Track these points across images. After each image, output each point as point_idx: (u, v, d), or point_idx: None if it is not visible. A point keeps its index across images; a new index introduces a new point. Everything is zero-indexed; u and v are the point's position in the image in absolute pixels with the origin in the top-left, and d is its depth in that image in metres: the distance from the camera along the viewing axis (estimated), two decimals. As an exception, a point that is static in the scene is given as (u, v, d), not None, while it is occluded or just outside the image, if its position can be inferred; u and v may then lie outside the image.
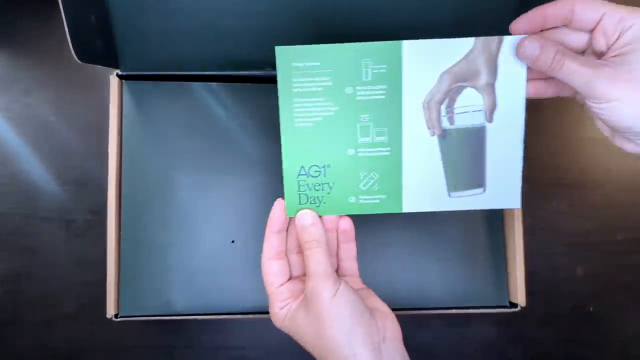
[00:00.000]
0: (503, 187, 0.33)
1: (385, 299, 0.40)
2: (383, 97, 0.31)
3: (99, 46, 0.36)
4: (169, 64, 0.39)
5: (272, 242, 0.32)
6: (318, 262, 0.30)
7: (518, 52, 0.31)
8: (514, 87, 0.32)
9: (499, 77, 0.31)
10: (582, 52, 0.31)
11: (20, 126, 0.47)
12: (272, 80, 0.40)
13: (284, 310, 0.31)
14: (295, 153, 0.32)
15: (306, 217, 0.32)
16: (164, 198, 0.39)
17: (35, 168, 0.47)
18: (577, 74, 0.27)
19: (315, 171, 0.32)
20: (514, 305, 0.41)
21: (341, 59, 0.30)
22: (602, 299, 0.49)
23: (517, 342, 0.49)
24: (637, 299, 0.50)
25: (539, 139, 0.49)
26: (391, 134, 0.32)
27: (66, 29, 0.31)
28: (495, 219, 0.42)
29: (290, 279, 0.32)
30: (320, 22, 0.38)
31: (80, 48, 0.33)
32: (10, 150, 0.47)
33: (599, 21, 0.28)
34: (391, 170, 0.33)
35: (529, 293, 0.40)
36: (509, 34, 0.31)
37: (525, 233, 0.41)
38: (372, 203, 0.33)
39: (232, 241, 0.40)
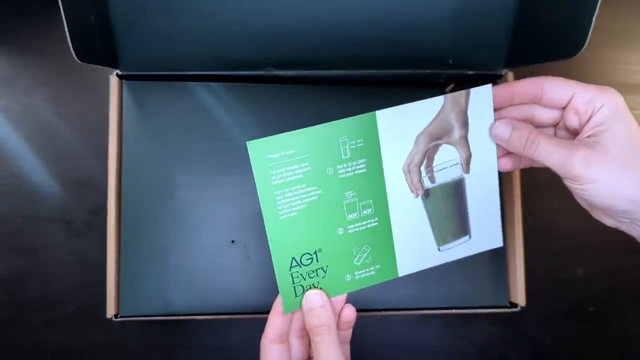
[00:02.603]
0: (486, 230, 0.34)
1: (385, 299, 0.41)
2: (364, 170, 0.30)
3: (99, 46, 0.36)
4: (169, 64, 0.39)
5: (275, 324, 0.30)
6: (329, 351, 0.27)
7: (491, 132, 0.31)
8: (485, 134, 0.32)
9: (471, 127, 0.31)
10: (554, 127, 0.31)
11: (20, 126, 0.47)
12: (272, 80, 0.41)
13: None
14: (284, 246, 0.30)
15: (315, 299, 0.29)
16: (164, 198, 0.39)
17: (35, 168, 0.47)
18: (554, 155, 0.27)
19: (308, 259, 0.31)
20: (514, 305, 0.41)
21: (317, 142, 0.29)
22: (602, 299, 0.49)
23: (517, 342, 0.49)
24: (637, 299, 0.50)
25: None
26: (377, 204, 0.31)
27: (66, 29, 0.31)
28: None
29: None
30: (321, 20, 0.38)
31: (80, 48, 0.33)
32: (10, 150, 0.47)
33: (570, 100, 0.28)
34: (382, 240, 0.32)
35: (529, 293, 0.40)
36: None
37: (525, 233, 0.41)
38: (368, 276, 0.32)
39: (232, 241, 0.39)
